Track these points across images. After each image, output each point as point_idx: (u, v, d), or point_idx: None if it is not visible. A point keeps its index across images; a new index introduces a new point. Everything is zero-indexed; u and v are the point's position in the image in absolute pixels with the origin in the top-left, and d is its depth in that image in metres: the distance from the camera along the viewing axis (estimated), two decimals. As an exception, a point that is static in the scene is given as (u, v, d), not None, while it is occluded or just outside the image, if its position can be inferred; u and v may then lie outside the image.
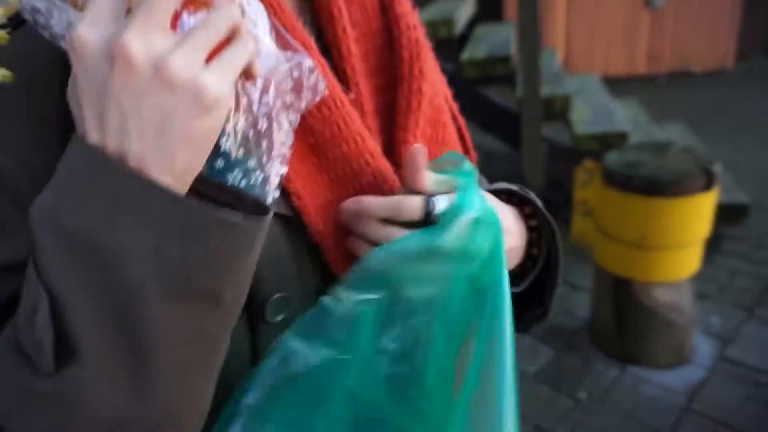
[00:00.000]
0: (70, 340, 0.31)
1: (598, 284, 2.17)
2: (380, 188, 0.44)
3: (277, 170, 0.35)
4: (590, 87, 3.35)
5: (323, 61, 0.43)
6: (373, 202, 0.42)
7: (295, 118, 0.36)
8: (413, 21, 0.49)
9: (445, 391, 0.40)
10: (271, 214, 0.35)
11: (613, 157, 2.05)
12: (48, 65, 0.37)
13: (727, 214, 2.76)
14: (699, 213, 1.91)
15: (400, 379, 0.39)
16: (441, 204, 0.41)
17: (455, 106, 0.56)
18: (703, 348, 2.13)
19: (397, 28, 0.48)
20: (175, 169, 0.31)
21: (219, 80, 0.30)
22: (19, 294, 0.34)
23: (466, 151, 0.55)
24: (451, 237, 0.39)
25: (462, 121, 0.56)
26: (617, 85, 4.63)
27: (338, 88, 0.43)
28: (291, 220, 0.42)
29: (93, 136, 0.31)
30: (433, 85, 0.49)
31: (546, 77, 2.90)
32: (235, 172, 0.35)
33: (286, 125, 0.35)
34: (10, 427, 0.34)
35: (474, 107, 2.89)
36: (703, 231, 1.94)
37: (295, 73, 0.34)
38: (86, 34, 0.29)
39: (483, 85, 3.13)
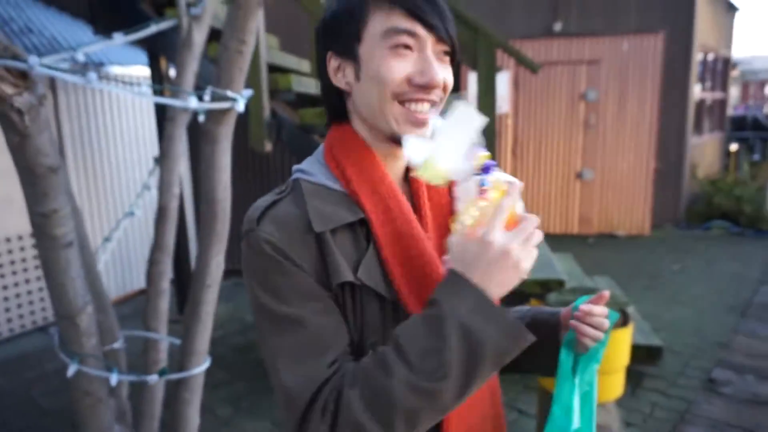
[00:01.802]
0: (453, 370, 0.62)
1: (541, 408, 2.56)
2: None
3: None
4: (533, 241, 4.00)
5: (413, 216, 0.75)
6: (600, 309, 0.82)
7: None
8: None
9: None
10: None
11: (553, 297, 2.57)
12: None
13: (646, 354, 3.29)
14: (618, 345, 2.40)
15: None
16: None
17: None
18: (630, 467, 2.48)
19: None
20: (497, 293, 0.65)
21: (527, 258, 0.66)
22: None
23: None
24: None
25: None
26: (555, 241, 5.38)
27: (420, 228, 0.74)
28: (393, 303, 0.72)
29: (458, 267, 0.66)
30: None
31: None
32: None
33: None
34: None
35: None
36: (623, 360, 2.43)
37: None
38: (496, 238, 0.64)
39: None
